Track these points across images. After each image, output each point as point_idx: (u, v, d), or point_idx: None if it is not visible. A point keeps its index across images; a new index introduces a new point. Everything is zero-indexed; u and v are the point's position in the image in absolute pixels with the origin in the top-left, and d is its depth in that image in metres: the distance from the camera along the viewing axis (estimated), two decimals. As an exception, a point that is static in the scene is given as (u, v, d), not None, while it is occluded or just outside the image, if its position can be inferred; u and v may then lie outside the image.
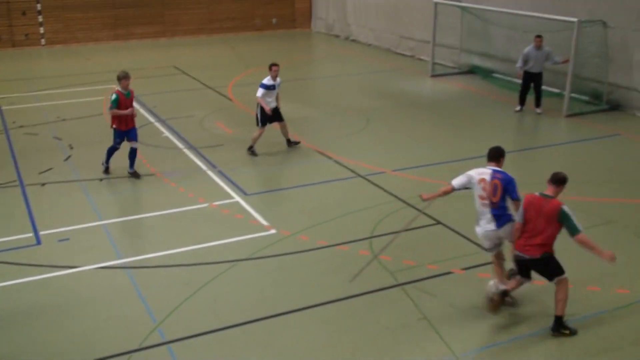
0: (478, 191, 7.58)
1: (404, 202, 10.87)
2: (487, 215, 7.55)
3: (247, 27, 29.83)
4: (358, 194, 11.33)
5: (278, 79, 13.03)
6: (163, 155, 13.38)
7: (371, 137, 14.63)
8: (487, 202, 7.52)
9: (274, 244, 9.54)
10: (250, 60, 23.39)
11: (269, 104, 12.94)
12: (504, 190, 7.45)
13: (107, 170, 12.24)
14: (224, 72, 21.47)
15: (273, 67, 12.86)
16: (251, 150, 13.21)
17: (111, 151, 12.15)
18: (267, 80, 12.87)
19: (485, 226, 7.61)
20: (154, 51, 25.69)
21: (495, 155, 7.69)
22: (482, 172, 7.60)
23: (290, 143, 13.64)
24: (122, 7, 27.62)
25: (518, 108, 16.40)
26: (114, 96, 11.71)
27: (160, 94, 18.30)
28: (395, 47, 24.71)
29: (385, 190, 11.40)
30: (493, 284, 7.41)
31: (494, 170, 7.56)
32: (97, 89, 18.92)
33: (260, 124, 13.11)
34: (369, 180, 11.87)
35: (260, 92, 12.87)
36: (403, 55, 24.06)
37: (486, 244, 7.78)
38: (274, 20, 30.21)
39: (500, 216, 7.51)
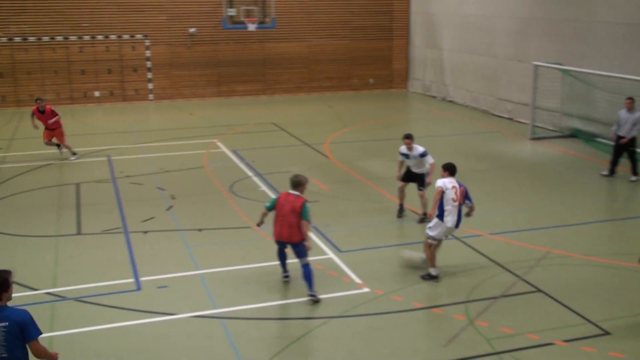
0: (451, 195, 9.92)
1: (502, 266, 10.56)
2: (456, 213, 9.97)
3: (344, 86, 30.40)
4: (454, 256, 11.10)
5: (415, 151, 12.57)
6: (259, 209, 13.62)
7: (467, 199, 14.39)
8: (457, 203, 9.95)
9: (366, 302, 9.45)
10: (347, 119, 23.74)
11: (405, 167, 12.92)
12: (465, 196, 10.13)
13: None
14: (321, 129, 21.86)
15: (405, 140, 12.77)
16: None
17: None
18: (401, 149, 12.77)
19: (452, 221, 9.95)
20: (254, 108, 26.54)
21: (454, 171, 10.27)
22: (452, 181, 10.08)
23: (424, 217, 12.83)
24: (225, 66, 28.83)
25: (605, 172, 15.81)
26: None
27: (258, 150, 18.80)
28: (493, 109, 24.48)
29: (481, 254, 11.12)
30: (417, 256, 10.57)
31: (458, 182, 10.15)
32: (199, 142, 19.67)
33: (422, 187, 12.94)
34: (465, 243, 11.63)
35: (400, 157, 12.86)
36: (500, 117, 23.77)
37: (444, 234, 10.15)
38: (371, 81, 30.66)
39: (460, 217, 10.05)
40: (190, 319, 8.99)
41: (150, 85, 28.14)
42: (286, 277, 10.12)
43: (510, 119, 23.32)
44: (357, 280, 10.12)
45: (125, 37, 27.48)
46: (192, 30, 27.99)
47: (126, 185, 15.33)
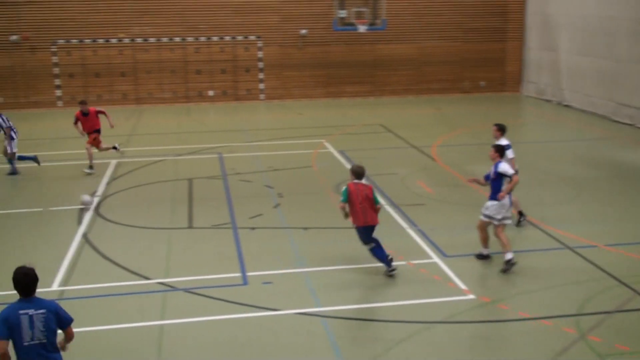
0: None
1: (617, 280, 10.02)
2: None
3: (454, 89, 29.88)
4: (565, 266, 10.64)
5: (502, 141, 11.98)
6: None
7: (582, 208, 13.77)
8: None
9: (471, 309, 9.23)
10: (456, 122, 23.33)
11: None
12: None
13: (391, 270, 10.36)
14: (428, 132, 21.59)
15: (493, 128, 12.27)
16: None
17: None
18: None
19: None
20: (362, 109, 26.58)
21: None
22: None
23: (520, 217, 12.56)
24: (335, 67, 29.04)
25: None
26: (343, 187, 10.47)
27: (365, 151, 18.79)
28: (612, 114, 23.29)
29: (596, 266, 10.60)
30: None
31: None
32: (308, 142, 19.92)
33: None
34: (578, 253, 11.13)
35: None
36: (620, 123, 22.58)
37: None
38: (482, 83, 29.97)
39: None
40: (293, 315, 9.10)
41: (261, 86, 28.79)
42: (392, 271, 10.23)
43: (631, 125, 22.12)
44: (462, 286, 9.91)
45: (239, 38, 28.26)
46: (303, 31, 28.40)
47: (236, 182, 15.75)
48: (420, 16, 29.14)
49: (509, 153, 11.67)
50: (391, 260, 10.25)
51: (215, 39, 28.06)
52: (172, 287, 9.99)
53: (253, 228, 12.55)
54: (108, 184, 15.75)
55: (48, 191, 15.38)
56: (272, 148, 19.50)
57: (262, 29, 28.30)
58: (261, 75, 28.71)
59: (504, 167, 10.52)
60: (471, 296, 9.58)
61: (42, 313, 6.10)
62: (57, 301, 6.62)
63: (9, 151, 16.59)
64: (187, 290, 9.87)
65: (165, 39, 27.74)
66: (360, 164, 10.83)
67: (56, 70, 27.36)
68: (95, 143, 17.14)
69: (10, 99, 27.21)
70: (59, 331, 6.30)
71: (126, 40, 27.50)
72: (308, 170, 16.88)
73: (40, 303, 6.18)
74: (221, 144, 19.97)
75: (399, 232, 12.31)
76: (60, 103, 27.63)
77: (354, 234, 11.75)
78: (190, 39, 27.86)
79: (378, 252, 10.27)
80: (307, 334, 8.62)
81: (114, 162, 17.76)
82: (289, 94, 29.02)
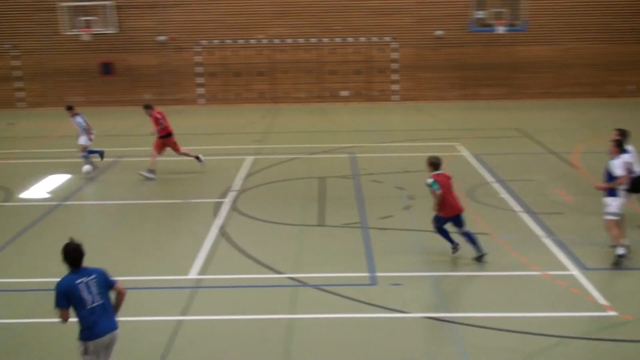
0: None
1: None
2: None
3: (598, 93, 28.36)
4: None
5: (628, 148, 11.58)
6: (499, 216, 13.23)
7: None
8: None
9: (611, 327, 8.68)
10: (600, 128, 22.10)
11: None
12: None
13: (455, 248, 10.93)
14: (569, 137, 20.62)
15: (613, 133, 11.80)
16: None
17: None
18: None
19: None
20: (498, 112, 25.82)
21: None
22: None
23: None
24: (471, 69, 28.43)
25: None
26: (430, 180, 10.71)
27: (500, 155, 18.24)
28: None
29: None
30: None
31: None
32: (440, 145, 19.62)
33: None
34: None
35: None
36: None
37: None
38: (631, 87, 28.20)
39: None
40: (421, 319, 8.97)
41: (395, 87, 28.72)
42: (456, 247, 10.89)
43: None
44: (603, 301, 9.34)
45: (374, 39, 28.35)
46: (439, 32, 28.02)
47: (367, 182, 15.78)
48: (563, 17, 27.93)
49: (628, 157, 10.95)
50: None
51: (350, 40, 28.31)
52: (301, 283, 10.15)
53: (383, 229, 12.52)
54: (244, 179, 16.29)
55: (188, 184, 16.13)
56: (404, 149, 19.37)
57: (397, 30, 28.22)
58: (395, 77, 28.64)
59: (614, 165, 10.43)
60: (612, 312, 9.02)
61: (93, 278, 6.83)
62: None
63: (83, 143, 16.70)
64: (316, 287, 9.99)
65: (301, 40, 28.33)
66: (436, 155, 11.22)
67: (199, 69, 28.69)
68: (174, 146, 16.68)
69: (156, 96, 28.84)
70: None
71: (265, 41, 28.36)
72: (440, 173, 16.61)
73: (88, 271, 6.89)
74: (353, 144, 20.10)
75: (535, 241, 11.82)
76: (201, 101, 28.96)
77: (487, 241, 11.41)
78: (325, 39, 28.28)
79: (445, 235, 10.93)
80: (435, 339, 8.47)
81: (250, 158, 18.35)
82: (422, 96, 28.75)
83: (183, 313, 9.20)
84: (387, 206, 13.89)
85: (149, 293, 9.97)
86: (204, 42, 28.47)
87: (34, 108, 29.06)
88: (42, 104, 29.03)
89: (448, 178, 10.79)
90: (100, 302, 6.81)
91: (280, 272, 10.56)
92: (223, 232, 12.44)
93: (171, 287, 10.11)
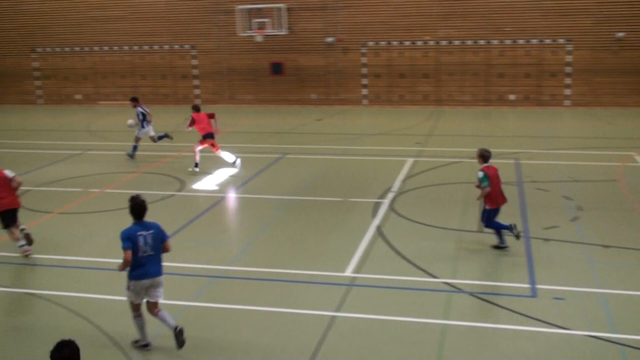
0: None
1: None
2: None
3: None
4: None
5: None
6: (679, 234, 12.13)
7: None
8: None
9: None
10: None
11: None
12: None
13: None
14: None
15: None
16: None
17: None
18: None
19: None
20: (683, 121, 23.72)
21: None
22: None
23: None
24: (655, 74, 26.36)
25: None
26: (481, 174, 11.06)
27: (684, 168, 16.72)
28: None
29: None
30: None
31: None
32: (615, 154, 18.38)
33: None
34: None
35: None
36: None
37: None
38: None
39: None
40: (585, 337, 8.42)
41: (567, 91, 27.29)
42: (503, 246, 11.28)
43: None
44: None
45: (547, 41, 27.09)
46: (619, 34, 26.21)
47: (531, 190, 15.11)
48: None
49: None
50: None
51: (521, 42, 27.28)
52: (457, 289, 9.91)
53: (547, 239, 11.91)
54: (403, 180, 16.22)
55: (349, 183, 16.33)
56: (574, 157, 18.34)
57: (573, 32, 26.77)
58: (568, 81, 27.20)
59: None
60: None
61: (151, 233, 8.19)
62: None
63: (140, 136, 19.24)
64: (472, 294, 9.71)
65: (469, 42, 27.72)
66: (485, 147, 11.55)
67: (364, 70, 28.99)
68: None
69: (321, 96, 29.58)
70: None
71: (431, 43, 28.07)
72: (613, 184, 15.53)
73: (148, 225, 8.24)
74: (519, 149, 19.35)
75: None
76: (365, 101, 29.24)
77: (664, 259, 10.52)
78: (495, 41, 27.47)
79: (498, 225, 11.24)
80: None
81: (411, 160, 18.25)
82: (597, 101, 27.06)
83: (337, 309, 9.31)
84: (552, 216, 13.21)
85: (306, 287, 10.21)
86: (370, 43, 28.73)
87: (207, 104, 30.86)
88: (216, 101, 30.76)
89: (496, 170, 11.25)
90: (152, 253, 8.14)
91: (435, 277, 10.38)
92: (380, 232, 12.46)
93: (327, 283, 10.27)
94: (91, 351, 8.39)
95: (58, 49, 32.03)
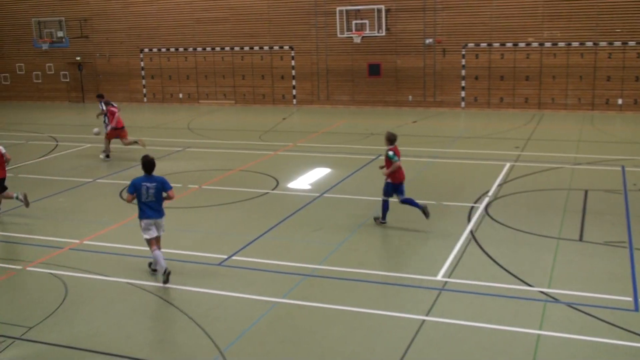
0: None
1: None
2: None
3: None
4: None
5: None
6: None
7: None
8: None
9: None
10: None
11: None
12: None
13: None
14: None
15: None
16: None
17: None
18: None
19: None
20: None
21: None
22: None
23: None
24: None
25: None
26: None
27: None
28: None
29: None
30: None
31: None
32: None
33: None
34: None
35: None
36: None
37: None
38: None
39: None
40: (692, 357, 7.92)
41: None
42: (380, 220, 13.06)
43: None
44: None
45: (660, 43, 25.70)
46: None
47: (637, 199, 14.37)
48: None
49: None
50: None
51: (631, 43, 26.00)
52: (553, 299, 9.55)
53: (653, 251, 11.30)
54: (500, 185, 15.82)
55: (443, 186, 16.09)
56: (685, 166, 17.31)
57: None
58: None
59: None
60: None
61: (154, 185, 10.37)
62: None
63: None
64: (569, 305, 9.34)
65: (575, 44, 26.70)
66: (391, 131, 13.42)
67: (463, 72, 28.49)
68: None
69: (418, 98, 29.30)
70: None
71: (534, 45, 27.23)
72: None
73: (153, 179, 10.42)
74: (625, 156, 18.45)
75: None
76: (463, 104, 28.73)
77: None
78: (603, 43, 26.32)
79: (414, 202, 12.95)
80: None
81: (509, 164, 17.77)
82: None
83: (427, 313, 9.19)
84: (660, 227, 12.51)
85: (396, 289, 10.14)
86: (470, 44, 28.19)
87: (304, 105, 31.23)
88: (312, 101, 31.08)
89: (399, 152, 13.04)
90: (153, 199, 10.38)
91: (530, 285, 10.05)
92: (473, 237, 12.20)
93: (418, 286, 10.15)
94: (184, 341, 8.67)
95: (163, 50, 33.30)
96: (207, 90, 32.98)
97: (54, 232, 13.27)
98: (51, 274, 11.03)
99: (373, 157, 19.17)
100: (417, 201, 12.98)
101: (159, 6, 32.71)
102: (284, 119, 27.58)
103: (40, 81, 36.10)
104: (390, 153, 12.89)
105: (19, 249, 12.40)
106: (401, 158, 12.96)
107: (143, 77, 34.12)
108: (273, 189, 16.19)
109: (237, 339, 8.61)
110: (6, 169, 14.32)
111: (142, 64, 33.93)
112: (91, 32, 34.20)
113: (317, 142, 22.03)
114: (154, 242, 10.55)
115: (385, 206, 13.09)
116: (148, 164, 10.45)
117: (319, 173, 17.65)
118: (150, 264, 10.96)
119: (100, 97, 21.23)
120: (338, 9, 28.96)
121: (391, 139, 13.13)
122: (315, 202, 14.90)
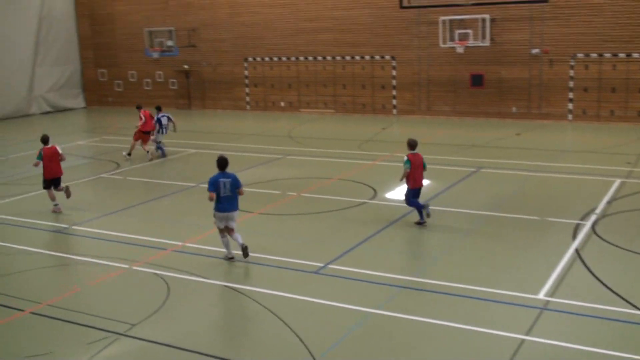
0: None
1: None
2: None
3: None
4: None
5: None
6: None
7: None
8: None
9: None
10: None
11: None
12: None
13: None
14: None
15: None
16: None
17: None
18: None
19: None
20: None
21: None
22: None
23: None
24: None
25: None
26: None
27: None
28: None
29: None
30: None
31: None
32: None
33: None
34: None
35: None
36: None
37: None
38: None
39: None
40: None
41: None
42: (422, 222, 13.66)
43: None
44: None
45: None
46: None
47: None
48: None
49: None
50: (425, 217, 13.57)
51: None
52: (665, 325, 9.00)
53: None
54: (609, 202, 15.09)
55: (547, 202, 15.50)
56: None
57: None
58: None
59: None
60: None
61: (229, 180, 11.72)
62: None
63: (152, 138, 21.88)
64: (683, 333, 8.76)
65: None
66: (413, 138, 13.96)
67: (571, 83, 27.46)
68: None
69: (522, 109, 28.48)
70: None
71: (622, 55, 25.88)
72: None
73: (228, 175, 11.77)
74: None
75: None
76: (570, 116, 27.68)
77: None
78: None
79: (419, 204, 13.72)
80: None
81: (618, 181, 16.94)
82: None
83: (527, 333, 8.87)
84: None
85: (495, 306, 9.85)
86: (579, 55, 27.13)
87: (404, 115, 31.04)
88: (412, 111, 30.83)
89: (420, 158, 13.64)
90: (229, 194, 11.70)
91: (638, 308, 9.51)
92: (579, 255, 11.69)
93: (518, 304, 9.82)
94: (278, 346, 8.76)
95: (267, 59, 34.02)
96: (308, 99, 33.39)
97: (158, 233, 13.78)
98: (155, 274, 11.46)
99: (474, 169, 18.77)
100: (429, 209, 13.69)
101: (264, 16, 33.46)
102: (383, 128, 27.51)
103: (150, 88, 37.70)
104: (405, 159, 13.56)
105: (127, 248, 12.95)
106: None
107: (246, 86, 34.97)
108: (371, 199, 16.15)
109: (331, 348, 8.62)
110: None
111: (246, 72, 34.79)
112: (199, 42, 35.41)
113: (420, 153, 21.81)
114: (225, 231, 11.90)
115: (417, 207, 13.76)
116: (223, 161, 11.81)
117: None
118: (225, 256, 12.07)
119: (139, 108, 22.68)
120: (441, 18, 28.64)
121: (411, 144, 13.76)
122: (413, 213, 14.74)
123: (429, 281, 10.79)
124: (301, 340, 8.83)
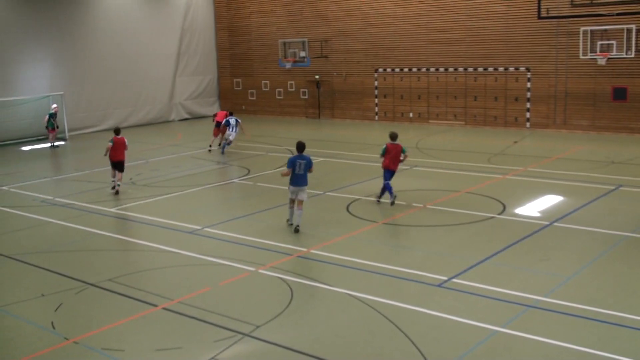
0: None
1: None
2: None
3: None
4: None
5: None
6: None
7: None
8: None
9: None
10: None
11: None
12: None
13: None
14: None
15: None
16: None
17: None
18: None
19: None
20: None
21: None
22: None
23: None
24: None
25: None
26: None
27: None
28: None
29: None
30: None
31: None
32: None
33: None
34: None
35: None
36: None
37: None
38: None
39: None
40: None
41: None
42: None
43: None
44: None
45: None
46: None
47: None
48: None
49: None
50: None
51: None
52: None
53: None
54: None
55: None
56: None
57: None
58: None
59: None
60: None
61: (304, 161, 14.24)
62: None
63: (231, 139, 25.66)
64: None
65: None
66: (394, 130, 16.88)
67: None
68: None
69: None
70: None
71: None
72: None
73: (304, 157, 14.30)
74: None
75: None
76: None
77: None
78: None
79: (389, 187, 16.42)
80: None
81: None
82: None
83: (666, 364, 8.24)
84: None
85: (628, 332, 9.23)
86: None
87: (537, 129, 29.91)
88: (547, 125, 29.65)
89: (399, 147, 16.37)
90: (302, 172, 14.23)
91: None
92: None
93: (656, 332, 9.16)
94: (400, 358, 8.68)
95: (397, 70, 33.97)
96: (438, 111, 32.98)
97: (283, 239, 14.09)
98: (280, 278, 11.71)
99: (612, 187, 17.75)
100: (394, 193, 16.33)
101: (395, 27, 33.48)
102: (515, 142, 26.65)
103: (281, 97, 38.74)
104: (384, 146, 16.56)
105: (253, 252, 13.34)
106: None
107: (376, 96, 35.08)
108: (499, 214, 15.67)
109: (452, 364, 8.43)
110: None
111: (376, 83, 34.92)
112: (330, 52, 35.99)
113: (550, 168, 20.94)
114: (294, 202, 14.50)
115: (387, 188, 16.44)
116: (301, 145, 14.47)
117: (550, 200, 16.75)
118: (289, 221, 14.88)
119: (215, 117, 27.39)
120: (582, 29, 27.38)
121: (392, 136, 16.56)
122: (543, 231, 14.15)
123: (558, 302, 10.29)
124: (422, 354, 8.70)
